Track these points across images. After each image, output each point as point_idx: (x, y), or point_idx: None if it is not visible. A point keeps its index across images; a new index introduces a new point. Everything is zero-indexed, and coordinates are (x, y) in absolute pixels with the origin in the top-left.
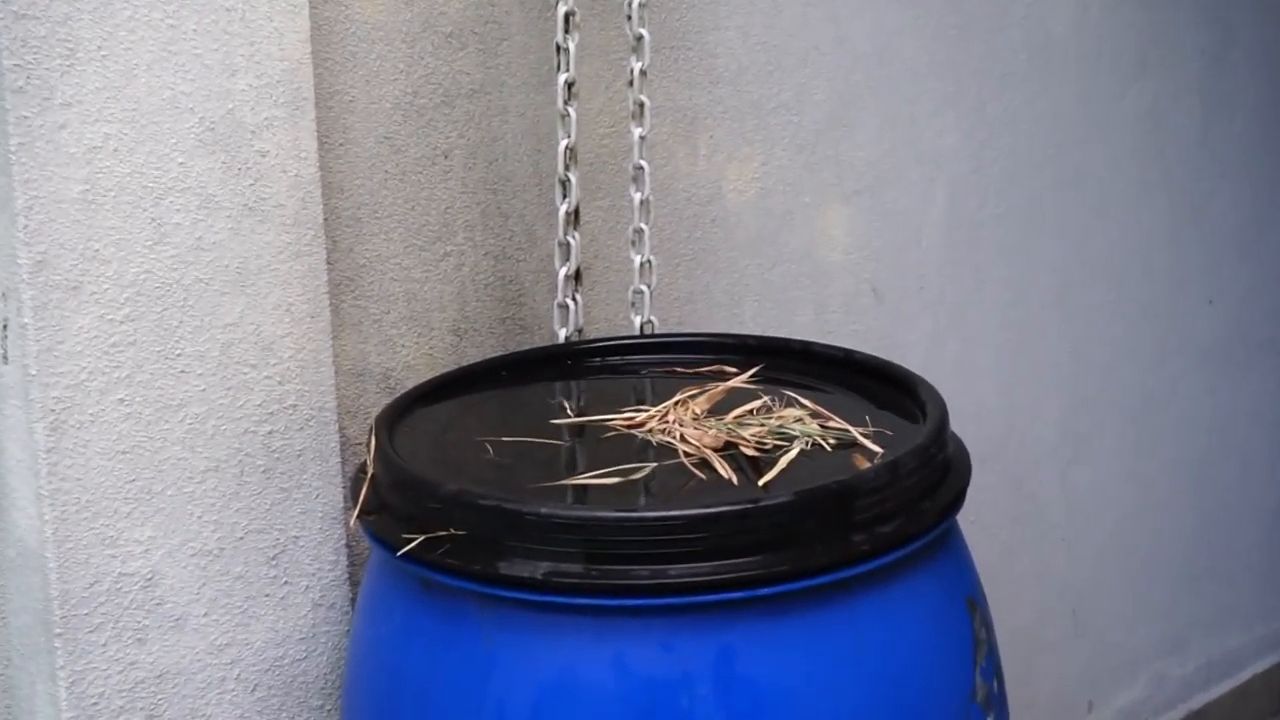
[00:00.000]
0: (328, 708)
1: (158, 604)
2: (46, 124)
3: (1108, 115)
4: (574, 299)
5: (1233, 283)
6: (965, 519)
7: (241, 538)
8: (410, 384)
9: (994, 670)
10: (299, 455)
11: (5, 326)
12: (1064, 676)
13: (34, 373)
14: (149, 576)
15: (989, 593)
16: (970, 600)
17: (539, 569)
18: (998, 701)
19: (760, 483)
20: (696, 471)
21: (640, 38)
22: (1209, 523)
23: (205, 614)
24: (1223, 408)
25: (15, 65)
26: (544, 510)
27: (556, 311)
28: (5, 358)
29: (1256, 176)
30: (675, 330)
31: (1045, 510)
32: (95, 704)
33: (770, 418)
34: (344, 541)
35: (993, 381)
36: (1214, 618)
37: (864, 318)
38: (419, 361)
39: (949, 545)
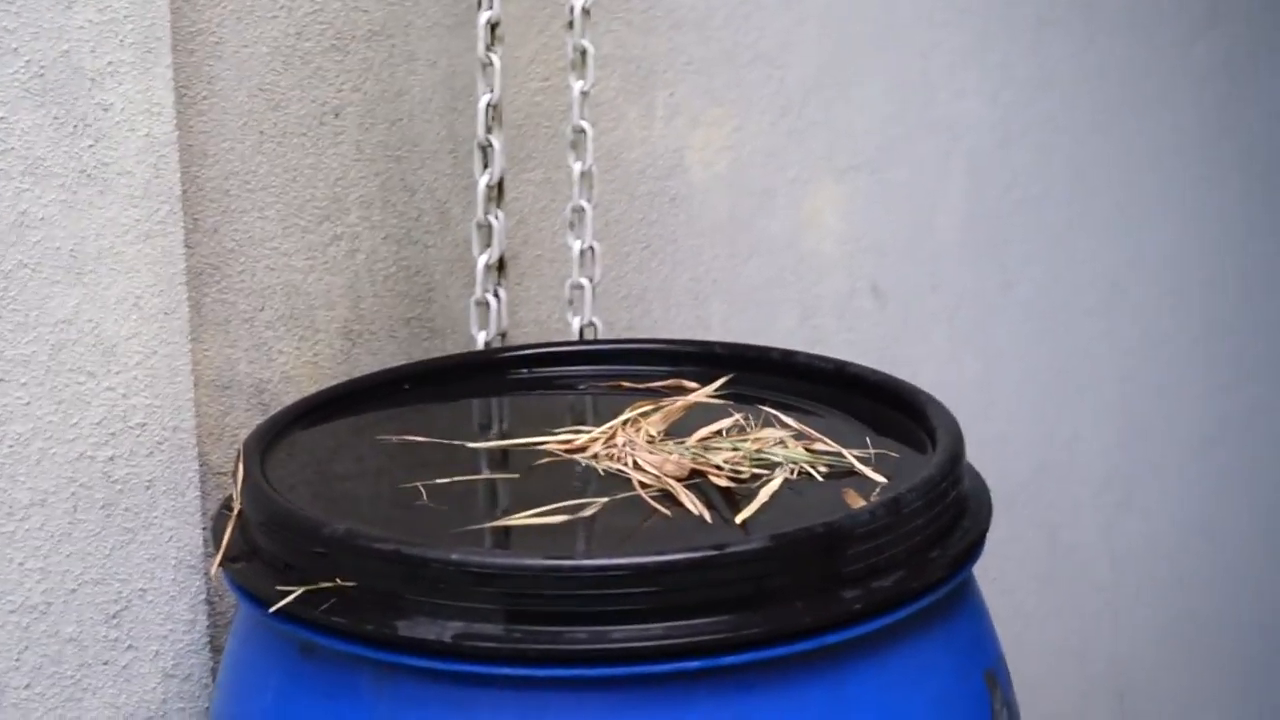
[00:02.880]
0: None
1: None
2: None
3: (1170, 73)
4: (496, 295)
5: None
6: (984, 575)
7: (74, 590)
8: (289, 399)
9: None
10: (148, 487)
11: None
12: None
13: None
14: None
15: (1012, 670)
16: (989, 674)
17: (448, 630)
18: None
19: (738, 520)
20: (658, 507)
21: None
22: None
23: (27, 685)
24: None
25: None
26: (455, 556)
27: (474, 310)
28: None
29: None
30: (623, 336)
31: (1086, 568)
32: None
33: (745, 440)
34: (203, 596)
35: (1021, 406)
36: None
37: (861, 324)
38: (300, 372)
39: (963, 606)
